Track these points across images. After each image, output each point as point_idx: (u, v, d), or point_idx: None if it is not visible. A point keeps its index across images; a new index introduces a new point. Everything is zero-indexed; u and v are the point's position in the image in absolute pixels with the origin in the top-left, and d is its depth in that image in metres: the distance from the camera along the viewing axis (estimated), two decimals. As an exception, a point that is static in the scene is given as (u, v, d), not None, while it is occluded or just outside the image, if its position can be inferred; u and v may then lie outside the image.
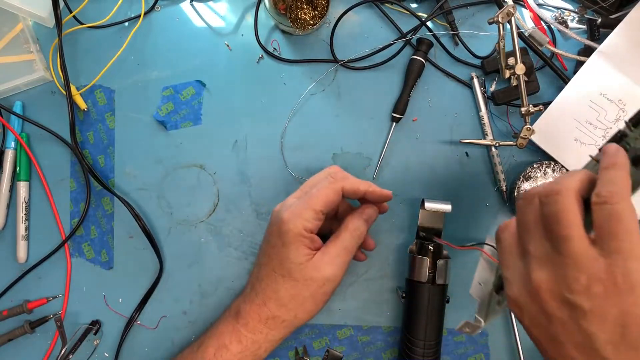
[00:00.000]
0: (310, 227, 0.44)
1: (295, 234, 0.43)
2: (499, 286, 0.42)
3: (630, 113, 0.47)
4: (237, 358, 0.45)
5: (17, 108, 0.55)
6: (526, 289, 0.33)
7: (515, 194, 0.53)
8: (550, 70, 0.55)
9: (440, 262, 0.49)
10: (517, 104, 0.55)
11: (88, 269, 0.55)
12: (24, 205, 0.54)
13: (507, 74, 0.51)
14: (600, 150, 0.34)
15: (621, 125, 0.35)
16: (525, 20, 0.57)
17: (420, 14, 0.56)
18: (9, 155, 0.55)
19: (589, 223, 0.31)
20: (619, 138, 0.35)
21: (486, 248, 0.47)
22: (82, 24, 0.55)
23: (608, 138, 0.36)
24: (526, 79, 0.50)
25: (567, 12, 0.57)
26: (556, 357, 0.32)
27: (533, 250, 0.33)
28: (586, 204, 0.32)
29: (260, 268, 0.47)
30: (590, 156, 0.36)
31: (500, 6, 0.50)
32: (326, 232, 0.48)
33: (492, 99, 0.55)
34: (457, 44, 0.57)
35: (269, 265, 0.45)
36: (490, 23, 0.49)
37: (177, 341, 0.54)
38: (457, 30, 0.56)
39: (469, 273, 0.52)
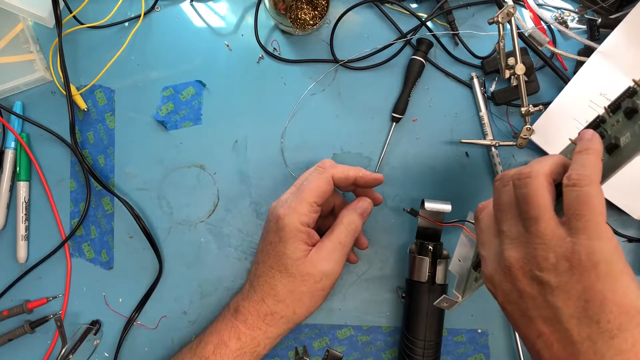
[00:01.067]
0: (306, 220, 0.44)
1: (291, 229, 0.44)
2: (477, 263, 0.43)
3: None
4: (236, 354, 0.45)
5: (17, 108, 0.55)
6: (500, 267, 0.35)
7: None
8: (550, 70, 0.55)
9: (440, 262, 0.49)
10: (517, 104, 0.55)
11: (88, 269, 0.55)
12: (24, 205, 0.54)
13: (507, 74, 0.51)
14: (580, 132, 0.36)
15: (601, 112, 0.36)
16: (525, 20, 0.57)
17: (420, 14, 0.56)
18: (9, 155, 0.55)
19: (561, 208, 0.32)
20: (597, 124, 0.36)
21: (467, 225, 0.47)
22: (82, 24, 0.55)
23: (587, 123, 0.37)
24: (526, 79, 0.50)
25: (567, 12, 0.57)
26: (527, 332, 0.34)
27: (506, 230, 0.35)
28: (559, 189, 0.33)
29: (258, 265, 0.47)
30: (570, 139, 0.37)
31: (500, 6, 0.50)
32: (325, 230, 0.48)
33: (492, 99, 0.55)
34: (457, 44, 0.57)
35: (267, 262, 0.46)
36: (490, 23, 0.49)
37: (177, 341, 0.54)
38: (457, 30, 0.56)
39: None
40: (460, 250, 0.47)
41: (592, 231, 0.30)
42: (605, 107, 0.35)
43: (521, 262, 0.33)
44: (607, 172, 0.34)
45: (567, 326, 0.31)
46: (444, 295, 0.44)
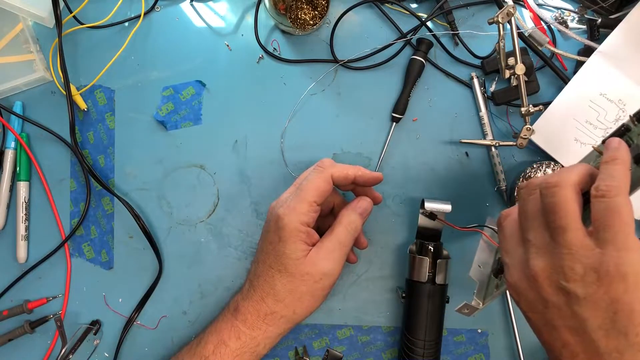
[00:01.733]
0: (306, 220, 0.44)
1: (291, 228, 0.44)
2: (498, 270, 0.43)
3: (632, 110, 0.48)
4: (235, 354, 0.45)
5: (17, 108, 0.55)
6: (525, 276, 0.34)
7: (516, 193, 0.53)
8: (550, 70, 0.55)
9: (440, 262, 0.49)
10: (517, 104, 0.55)
11: (88, 269, 0.55)
12: (24, 205, 0.54)
13: (507, 74, 0.51)
14: (603, 142, 0.35)
15: (626, 120, 0.35)
16: (525, 20, 0.57)
17: (420, 14, 0.56)
18: (9, 155, 0.55)
19: (588, 215, 0.32)
20: (622, 132, 0.36)
21: (486, 230, 0.47)
22: (82, 24, 0.55)
23: (612, 131, 0.37)
24: (526, 79, 0.50)
25: (567, 12, 0.57)
26: (551, 341, 0.34)
27: (532, 239, 0.34)
28: (586, 197, 0.33)
29: (257, 265, 0.47)
30: (593, 147, 0.37)
31: (500, 6, 0.50)
32: (325, 230, 0.48)
33: (492, 99, 0.55)
34: (457, 44, 0.57)
35: (266, 262, 0.46)
36: (490, 23, 0.49)
37: (176, 341, 0.54)
38: (457, 30, 0.56)
39: (468, 259, 0.53)
40: (480, 256, 0.47)
41: (620, 242, 0.30)
42: (630, 116, 0.34)
43: (547, 271, 0.33)
44: (636, 182, 0.33)
45: (593, 337, 0.30)
46: (464, 302, 0.44)
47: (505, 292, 0.53)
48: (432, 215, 0.50)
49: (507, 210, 0.40)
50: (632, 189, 0.33)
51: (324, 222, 0.51)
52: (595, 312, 0.30)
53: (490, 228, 0.48)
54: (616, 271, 0.29)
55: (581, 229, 0.32)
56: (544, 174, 0.53)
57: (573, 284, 0.31)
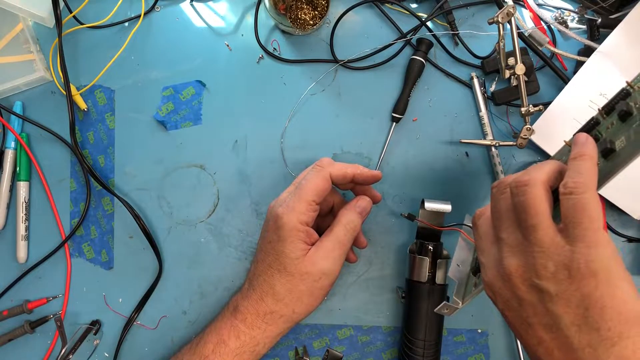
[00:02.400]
0: (304, 219, 0.44)
1: (290, 227, 0.44)
2: (476, 268, 0.43)
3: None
4: (235, 353, 0.45)
5: (17, 108, 0.55)
6: (499, 274, 0.35)
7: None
8: (550, 70, 0.55)
9: (440, 262, 0.49)
10: (517, 104, 0.55)
11: (88, 269, 0.55)
12: (24, 205, 0.54)
13: (507, 74, 0.51)
14: (574, 135, 0.35)
15: (595, 113, 0.35)
16: (525, 20, 0.57)
17: (420, 14, 0.56)
18: (9, 155, 0.55)
19: (558, 213, 0.32)
20: (591, 126, 0.36)
21: (464, 229, 0.47)
22: (82, 24, 0.55)
23: (581, 125, 0.37)
24: (526, 79, 0.50)
25: (567, 12, 0.57)
26: (527, 338, 0.34)
27: (505, 238, 0.35)
28: (556, 194, 0.33)
29: (257, 264, 0.47)
30: (564, 141, 0.37)
31: (500, 6, 0.50)
32: (325, 229, 0.48)
33: (492, 99, 0.55)
34: (457, 44, 0.57)
35: (266, 261, 0.46)
36: (490, 23, 0.49)
37: (177, 341, 0.54)
38: (457, 30, 0.56)
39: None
40: (458, 255, 0.47)
41: (589, 239, 0.30)
42: (598, 109, 0.35)
43: (520, 270, 0.33)
44: (604, 177, 0.33)
45: (567, 333, 0.31)
46: (443, 302, 0.44)
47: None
48: (410, 216, 0.51)
49: (481, 209, 0.40)
50: (600, 184, 0.33)
51: (323, 222, 0.51)
52: (568, 308, 0.31)
53: (469, 226, 0.48)
54: (586, 268, 0.30)
55: (551, 226, 0.32)
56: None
57: (545, 282, 0.31)
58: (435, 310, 0.45)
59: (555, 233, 0.32)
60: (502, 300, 0.35)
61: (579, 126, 0.38)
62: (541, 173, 0.34)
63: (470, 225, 0.47)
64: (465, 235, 0.47)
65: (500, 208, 0.36)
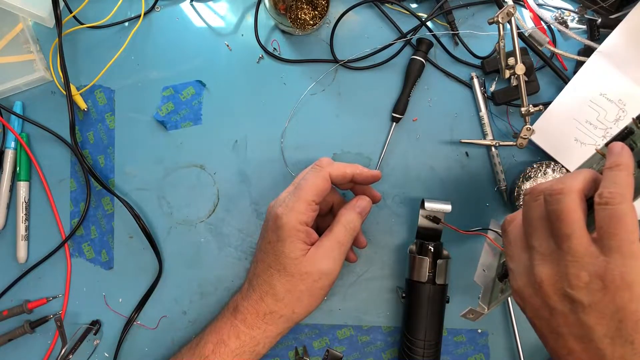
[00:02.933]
0: (304, 219, 0.44)
1: (290, 227, 0.44)
2: (503, 274, 0.43)
3: (630, 112, 0.47)
4: (235, 353, 0.45)
5: (17, 108, 0.55)
6: (530, 282, 0.34)
7: (516, 193, 0.53)
8: (550, 70, 0.55)
9: (440, 262, 0.49)
10: (517, 104, 0.55)
11: (88, 269, 0.55)
12: (24, 205, 0.54)
13: (507, 74, 0.51)
14: (606, 145, 0.35)
15: (629, 122, 0.35)
16: (525, 20, 0.57)
17: (420, 14, 0.56)
18: (9, 155, 0.55)
19: (592, 220, 0.32)
20: (625, 135, 0.35)
21: (490, 234, 0.47)
22: (82, 24, 0.55)
23: (615, 134, 0.36)
24: (526, 79, 0.50)
25: (567, 12, 0.57)
26: (556, 348, 0.34)
27: (537, 246, 0.34)
28: (590, 203, 0.32)
29: (257, 264, 0.47)
30: (596, 149, 0.37)
31: (500, 6, 0.50)
32: (325, 229, 0.48)
33: (492, 99, 0.55)
34: (457, 44, 0.57)
35: (265, 261, 0.46)
36: (490, 23, 0.49)
37: (177, 341, 0.54)
38: (457, 30, 0.56)
39: (470, 263, 0.53)
40: (484, 260, 0.46)
41: (625, 250, 0.30)
42: (633, 119, 0.34)
43: (552, 278, 0.33)
44: (639, 188, 0.33)
45: (599, 345, 0.30)
46: (469, 307, 0.44)
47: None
48: (435, 219, 0.50)
49: (511, 215, 0.40)
50: (636, 195, 0.33)
51: (323, 222, 0.51)
52: (601, 320, 0.30)
53: (494, 231, 0.47)
54: (621, 279, 0.29)
55: (586, 236, 0.32)
56: (544, 174, 0.53)
57: (578, 292, 0.31)
58: (460, 315, 0.45)
59: (590, 243, 0.31)
60: (531, 308, 0.35)
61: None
62: (576, 182, 0.33)
63: (497, 230, 0.47)
64: (490, 240, 0.47)
65: (532, 215, 0.35)
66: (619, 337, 0.30)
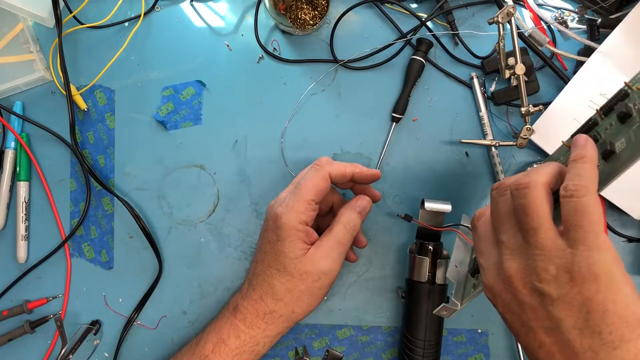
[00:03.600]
0: (304, 218, 0.44)
1: (289, 227, 0.44)
2: (475, 269, 0.43)
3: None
4: (235, 353, 0.45)
5: (17, 108, 0.55)
6: (500, 277, 0.35)
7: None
8: (550, 70, 0.55)
9: (440, 262, 0.49)
10: (517, 104, 0.55)
11: (88, 269, 0.55)
12: (24, 205, 0.54)
13: (507, 74, 0.51)
14: (572, 137, 0.35)
15: (593, 114, 0.35)
16: (525, 20, 0.57)
17: (420, 14, 0.56)
18: (9, 155, 0.55)
19: (559, 214, 0.32)
20: (590, 127, 0.35)
21: (462, 229, 0.47)
22: (82, 24, 0.55)
23: (579, 126, 0.36)
24: (526, 79, 0.50)
25: (567, 12, 0.57)
26: (528, 342, 0.34)
27: (505, 240, 0.35)
28: (557, 196, 0.33)
29: (256, 264, 0.47)
30: (562, 142, 0.37)
31: (500, 6, 0.50)
32: (325, 229, 0.48)
33: (492, 99, 0.55)
34: (457, 44, 0.57)
35: (265, 261, 0.46)
36: (490, 23, 0.49)
37: (177, 341, 0.54)
38: (457, 30, 0.56)
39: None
40: (456, 255, 0.47)
41: (591, 242, 0.30)
42: (596, 110, 0.34)
43: (521, 273, 0.33)
44: (604, 179, 0.33)
45: (568, 337, 0.31)
46: (442, 304, 0.44)
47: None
48: (407, 217, 0.51)
49: (480, 210, 0.40)
50: (601, 186, 0.33)
51: (323, 221, 0.51)
52: (569, 312, 0.31)
53: (465, 226, 0.48)
54: (588, 271, 0.30)
55: (552, 229, 0.32)
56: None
57: (547, 285, 0.31)
58: (433, 312, 0.45)
59: (557, 236, 0.32)
60: (502, 303, 0.35)
61: (579, 126, 0.38)
62: (542, 175, 0.34)
63: (468, 225, 0.47)
64: (462, 236, 0.47)
65: (500, 210, 0.36)
66: (587, 328, 0.30)
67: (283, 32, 0.57)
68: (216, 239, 0.55)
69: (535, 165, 0.53)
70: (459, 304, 0.44)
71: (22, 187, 0.54)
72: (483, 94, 0.55)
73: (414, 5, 0.57)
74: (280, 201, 0.46)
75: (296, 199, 0.44)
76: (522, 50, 0.50)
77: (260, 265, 0.46)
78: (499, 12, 0.48)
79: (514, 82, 0.51)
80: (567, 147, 0.37)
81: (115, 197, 0.54)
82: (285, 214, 0.44)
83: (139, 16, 0.56)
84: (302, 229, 0.44)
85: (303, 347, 0.55)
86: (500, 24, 0.49)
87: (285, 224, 0.44)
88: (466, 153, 0.56)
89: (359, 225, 0.47)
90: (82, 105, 0.55)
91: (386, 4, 0.57)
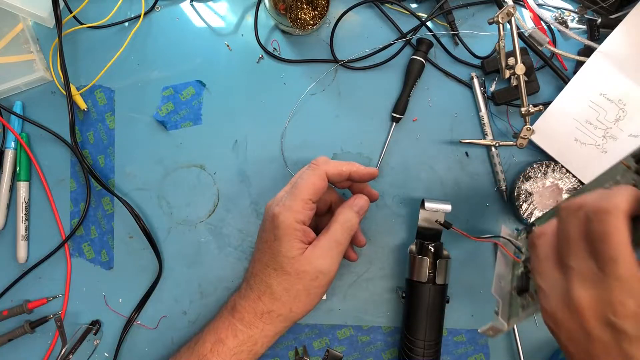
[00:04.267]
0: (301, 218, 0.44)
1: (286, 226, 0.44)
2: (521, 288, 0.41)
3: (630, 112, 0.46)
4: (233, 352, 0.45)
5: (17, 108, 0.55)
6: (565, 305, 0.32)
7: (516, 193, 0.53)
8: (550, 70, 0.55)
9: (440, 262, 0.49)
10: (517, 104, 0.55)
11: (88, 269, 0.55)
12: (24, 205, 0.54)
13: (507, 74, 0.51)
14: (632, 156, 0.32)
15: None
16: (525, 20, 0.57)
17: (420, 14, 0.56)
18: (9, 155, 0.55)
19: (636, 241, 0.30)
20: None
21: (502, 241, 0.45)
22: (82, 24, 0.55)
23: None
24: (526, 79, 0.50)
25: (567, 12, 0.57)
26: None
27: (575, 266, 0.32)
28: (633, 221, 0.30)
29: (254, 264, 0.47)
30: (622, 162, 0.34)
31: (500, 6, 0.50)
32: (323, 228, 0.48)
33: (492, 99, 0.55)
34: (457, 44, 0.57)
35: (262, 260, 0.46)
36: (490, 23, 0.49)
37: (177, 341, 0.54)
38: (457, 30, 0.56)
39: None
40: (499, 270, 0.44)
41: None
42: None
43: (594, 303, 0.30)
44: None
45: None
46: (490, 323, 0.42)
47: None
48: (446, 223, 0.49)
49: (540, 228, 0.37)
50: None
51: (322, 221, 0.51)
52: None
53: (506, 239, 0.45)
54: None
55: (633, 260, 0.29)
56: (544, 174, 0.53)
57: (623, 321, 0.29)
58: (479, 330, 0.43)
59: (637, 268, 0.29)
60: (566, 332, 0.33)
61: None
62: (623, 201, 0.30)
63: (508, 237, 0.45)
64: (505, 250, 0.45)
65: (570, 232, 0.32)
66: None
67: (283, 32, 0.57)
68: (216, 239, 0.55)
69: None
70: (506, 325, 0.41)
71: (22, 187, 0.54)
72: (483, 94, 0.55)
73: (414, 5, 0.57)
74: (277, 201, 0.46)
75: (293, 199, 0.44)
76: (522, 50, 0.50)
77: (257, 265, 0.46)
78: (499, 12, 0.48)
79: (514, 82, 0.51)
80: (624, 167, 0.33)
81: (115, 197, 0.54)
82: (282, 213, 0.44)
83: (139, 16, 0.56)
84: (299, 228, 0.44)
85: (303, 347, 0.55)
86: (500, 24, 0.49)
87: (282, 223, 0.44)
88: (466, 153, 0.56)
89: (356, 224, 0.47)
90: (82, 105, 0.55)
91: (386, 4, 0.57)
